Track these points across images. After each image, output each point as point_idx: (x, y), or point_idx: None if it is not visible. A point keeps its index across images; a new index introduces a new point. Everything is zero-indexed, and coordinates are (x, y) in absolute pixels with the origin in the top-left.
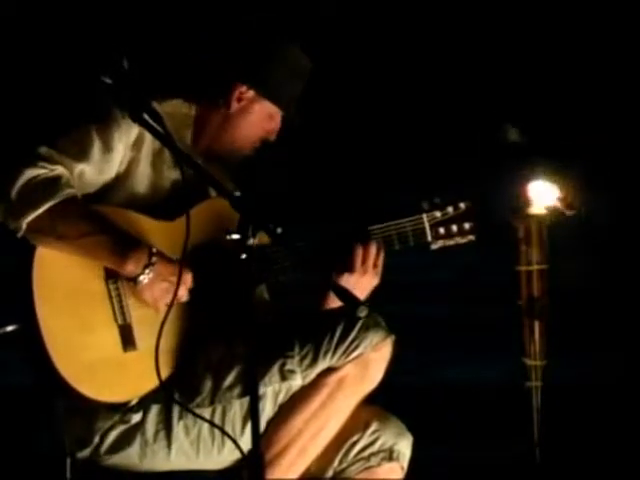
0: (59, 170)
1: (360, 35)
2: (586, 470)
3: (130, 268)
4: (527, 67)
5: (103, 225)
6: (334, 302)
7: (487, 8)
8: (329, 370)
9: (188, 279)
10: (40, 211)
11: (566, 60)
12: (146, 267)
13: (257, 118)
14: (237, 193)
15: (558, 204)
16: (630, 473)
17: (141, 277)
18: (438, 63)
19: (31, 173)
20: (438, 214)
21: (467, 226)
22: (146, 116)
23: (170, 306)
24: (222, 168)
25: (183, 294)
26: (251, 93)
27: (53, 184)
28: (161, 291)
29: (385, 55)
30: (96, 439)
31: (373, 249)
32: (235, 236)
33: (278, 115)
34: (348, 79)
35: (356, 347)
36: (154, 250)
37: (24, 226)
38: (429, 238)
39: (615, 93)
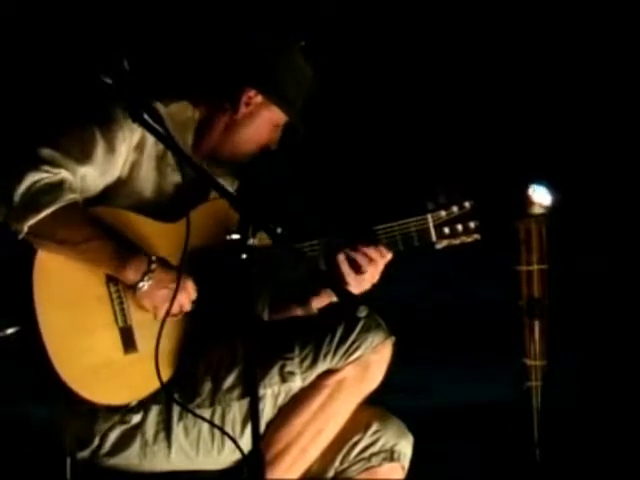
0: (62, 174)
1: (360, 35)
2: (586, 470)
3: (129, 275)
4: (529, 67)
5: (104, 231)
6: (325, 299)
7: (486, 9)
8: (329, 372)
9: (189, 286)
10: (42, 215)
11: (567, 61)
12: (145, 274)
13: (262, 125)
14: (235, 193)
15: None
16: (630, 473)
17: (140, 284)
18: (440, 63)
19: (34, 177)
20: (443, 214)
21: (472, 225)
22: (147, 117)
23: (168, 312)
24: (222, 169)
25: (185, 302)
26: (259, 98)
27: (56, 189)
28: (161, 298)
29: (386, 55)
30: (96, 440)
31: (375, 247)
32: (235, 236)
33: (281, 123)
34: (348, 79)
35: (356, 349)
36: (153, 257)
37: (25, 229)
38: (434, 238)
39: (614, 96)
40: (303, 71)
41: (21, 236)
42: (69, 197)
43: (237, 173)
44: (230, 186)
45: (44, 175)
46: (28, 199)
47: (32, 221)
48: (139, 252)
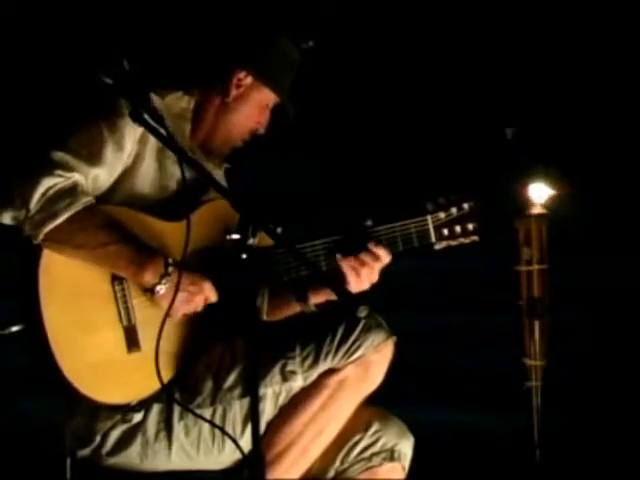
0: (75, 178)
1: (360, 35)
2: (586, 470)
3: (147, 278)
4: (529, 67)
5: (121, 235)
6: (323, 296)
7: (488, 8)
8: (330, 371)
9: (206, 287)
10: (59, 222)
11: (567, 61)
12: (163, 277)
13: (253, 107)
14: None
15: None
16: (630, 473)
17: (158, 287)
18: (439, 63)
19: (48, 183)
20: (442, 215)
21: (471, 227)
22: (147, 116)
23: (166, 314)
24: (215, 157)
25: (199, 303)
26: (249, 80)
27: (70, 193)
28: (180, 301)
29: (386, 56)
30: (97, 439)
31: (374, 249)
32: (235, 236)
33: (270, 105)
34: (348, 79)
35: (357, 348)
36: (170, 260)
37: (42, 236)
38: (433, 239)
39: (614, 95)
40: (290, 53)
41: (36, 242)
42: (84, 200)
43: (227, 159)
44: (220, 171)
45: (58, 180)
46: (44, 206)
47: (49, 228)
48: (156, 255)
